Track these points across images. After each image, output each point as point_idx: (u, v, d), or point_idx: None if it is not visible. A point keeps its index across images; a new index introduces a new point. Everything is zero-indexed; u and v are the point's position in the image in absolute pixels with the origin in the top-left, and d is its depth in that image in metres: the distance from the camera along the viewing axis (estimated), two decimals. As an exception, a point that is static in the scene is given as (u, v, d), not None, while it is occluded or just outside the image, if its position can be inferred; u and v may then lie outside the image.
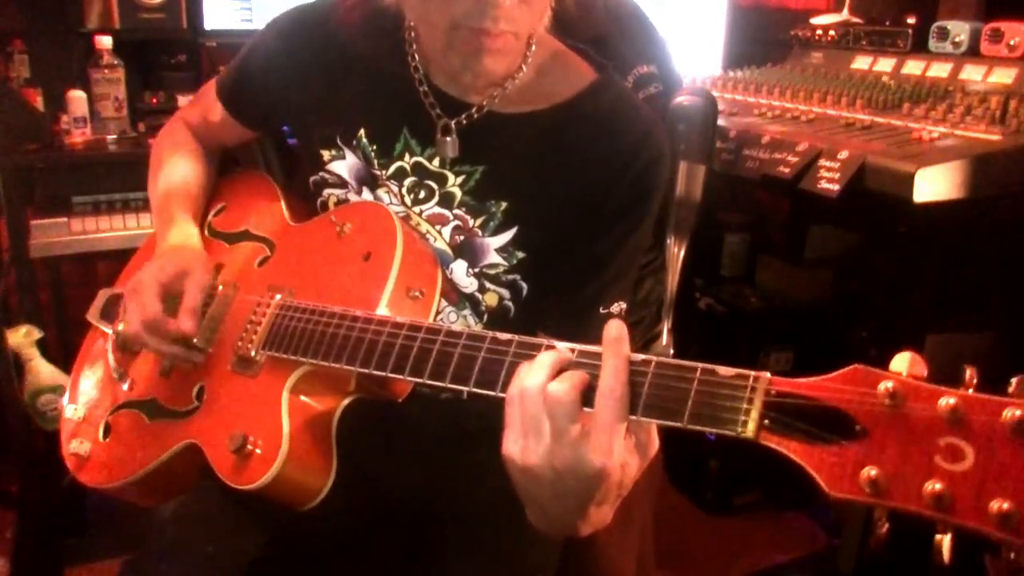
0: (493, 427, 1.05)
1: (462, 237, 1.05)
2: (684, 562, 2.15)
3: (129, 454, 1.07)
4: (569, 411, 0.70)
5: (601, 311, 1.04)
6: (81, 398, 1.19)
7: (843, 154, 1.60)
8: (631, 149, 1.02)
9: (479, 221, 1.04)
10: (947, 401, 0.57)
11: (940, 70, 1.93)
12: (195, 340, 1.06)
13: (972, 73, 1.87)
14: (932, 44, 1.97)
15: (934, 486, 0.56)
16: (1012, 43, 1.80)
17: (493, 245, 1.05)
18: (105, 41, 2.10)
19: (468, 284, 1.07)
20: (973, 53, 1.88)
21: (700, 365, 0.68)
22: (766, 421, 0.64)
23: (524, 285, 1.07)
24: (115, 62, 2.12)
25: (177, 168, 1.24)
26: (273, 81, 1.14)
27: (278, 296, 1.03)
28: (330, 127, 1.09)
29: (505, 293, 1.07)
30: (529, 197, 1.03)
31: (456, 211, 1.05)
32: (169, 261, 1.10)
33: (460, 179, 1.04)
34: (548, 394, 0.70)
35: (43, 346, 2.12)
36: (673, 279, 1.58)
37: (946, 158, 1.52)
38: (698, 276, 2.46)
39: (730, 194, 2.50)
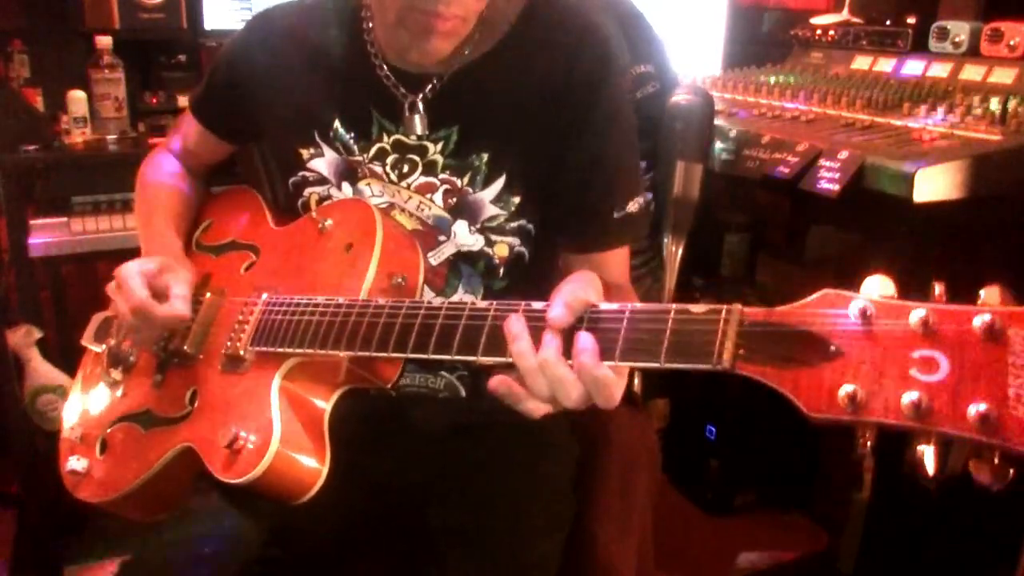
0: (492, 424, 1.06)
1: (455, 199, 1.08)
2: (684, 562, 2.15)
3: (125, 466, 1.08)
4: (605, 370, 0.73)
5: (616, 216, 1.07)
6: (78, 418, 1.20)
7: (843, 154, 1.59)
8: (573, 51, 1.04)
9: (466, 179, 1.07)
10: (918, 314, 0.58)
11: (940, 70, 1.93)
12: (185, 347, 1.07)
13: (972, 73, 1.87)
14: (932, 44, 1.96)
15: (911, 396, 0.56)
16: (1012, 43, 1.80)
17: (487, 198, 1.07)
18: (105, 41, 2.10)
19: (474, 242, 1.09)
20: (973, 53, 1.88)
21: (673, 306, 0.70)
22: (741, 351, 0.65)
23: (531, 227, 1.09)
24: (115, 62, 2.12)
25: (160, 190, 1.26)
26: (242, 89, 1.17)
27: (264, 295, 1.04)
28: (306, 124, 1.11)
29: (514, 241, 1.09)
30: (505, 141, 1.05)
31: (441, 175, 1.07)
32: (151, 259, 1.11)
33: (439, 145, 1.07)
34: (597, 376, 0.73)
35: (43, 346, 2.13)
36: (671, 279, 1.58)
37: (946, 158, 1.52)
38: (697, 276, 2.46)
39: (730, 194, 2.50)
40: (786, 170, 1.67)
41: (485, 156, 1.06)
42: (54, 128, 2.11)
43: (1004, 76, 1.80)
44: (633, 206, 1.08)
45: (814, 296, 0.63)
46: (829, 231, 2.46)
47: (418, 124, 1.06)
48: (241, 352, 1.00)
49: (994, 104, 1.68)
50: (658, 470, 1.59)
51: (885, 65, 2.07)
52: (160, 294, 1.06)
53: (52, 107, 2.16)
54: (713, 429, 2.32)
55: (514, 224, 1.08)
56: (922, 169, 1.48)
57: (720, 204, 2.51)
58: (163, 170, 1.29)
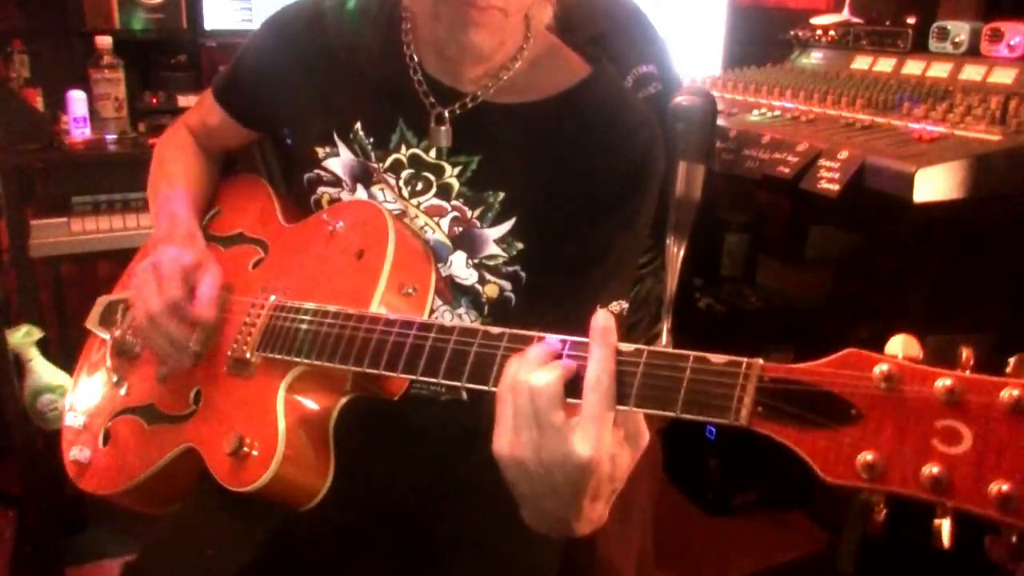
0: (493, 428, 1.05)
1: (460, 228, 1.05)
2: (684, 562, 2.15)
3: (128, 460, 1.08)
4: (552, 400, 0.69)
5: (600, 310, 1.05)
6: (81, 406, 1.19)
7: (843, 154, 1.59)
8: (624, 139, 1.03)
9: (477, 212, 1.05)
10: (944, 383, 0.56)
11: (940, 70, 1.93)
12: (191, 344, 1.06)
13: (972, 73, 1.87)
14: (932, 44, 1.96)
15: (932, 469, 0.55)
16: (1012, 43, 1.80)
17: (492, 236, 1.05)
18: (105, 41, 2.10)
19: (468, 276, 1.07)
20: (973, 53, 1.88)
21: (692, 354, 0.68)
22: (759, 408, 0.63)
23: (524, 276, 1.07)
24: (115, 62, 2.12)
25: (178, 169, 1.24)
26: (267, 78, 1.14)
27: (272, 297, 1.03)
28: (326, 122, 1.09)
29: (506, 285, 1.07)
30: (526, 187, 1.03)
31: (454, 202, 1.05)
32: (188, 250, 1.08)
33: (457, 170, 1.05)
34: (532, 384, 0.70)
35: (43, 346, 2.12)
36: (672, 279, 1.58)
37: (946, 158, 1.52)
38: (698, 276, 2.46)
39: (730, 194, 2.50)
40: (786, 170, 1.67)
41: (501, 195, 1.04)
42: (54, 128, 2.11)
43: (1004, 76, 1.80)
44: (615, 307, 1.07)
45: (838, 354, 0.61)
46: (829, 231, 2.46)
47: (443, 136, 1.03)
48: (248, 355, 1.00)
49: (994, 104, 1.68)
50: (658, 470, 1.59)
51: (885, 65, 2.07)
52: (190, 288, 1.04)
53: (52, 107, 2.16)
54: (713, 429, 2.32)
55: (510, 268, 1.06)
56: (922, 169, 1.47)
57: (720, 204, 2.52)
58: (182, 149, 1.27)
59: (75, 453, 1.13)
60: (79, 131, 2.06)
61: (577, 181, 1.02)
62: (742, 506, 2.41)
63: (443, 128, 1.03)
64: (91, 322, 1.25)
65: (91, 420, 1.16)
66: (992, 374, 0.56)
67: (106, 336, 1.21)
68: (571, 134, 1.03)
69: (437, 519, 1.10)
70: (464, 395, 1.15)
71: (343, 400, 0.99)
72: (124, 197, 2.04)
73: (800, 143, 1.69)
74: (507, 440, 0.72)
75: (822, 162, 1.62)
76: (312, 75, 1.10)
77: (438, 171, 1.05)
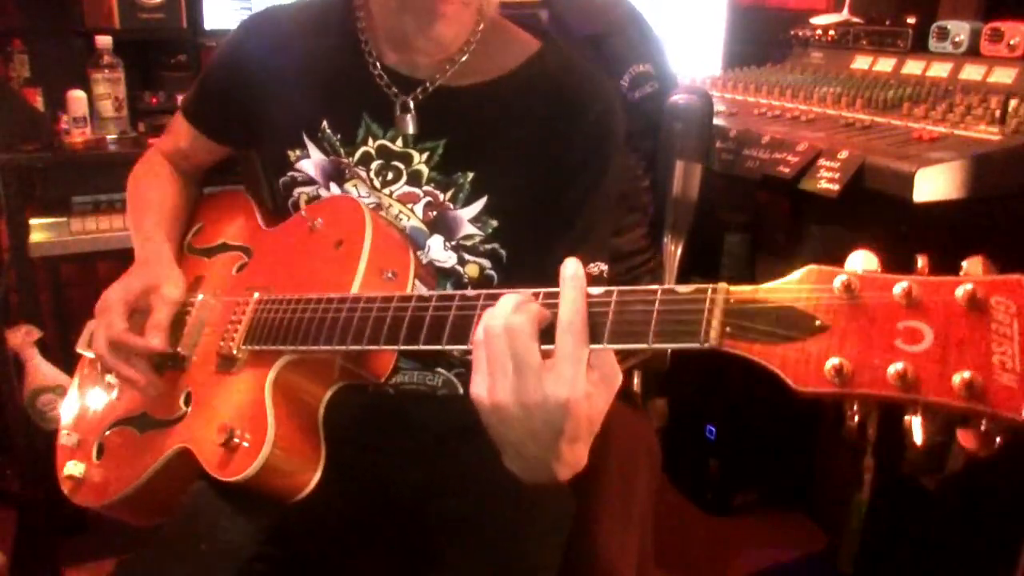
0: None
1: (435, 212, 1.08)
2: (684, 562, 2.15)
3: (122, 469, 1.08)
4: (527, 341, 0.71)
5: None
6: (74, 423, 1.20)
7: (843, 154, 1.60)
8: (580, 103, 1.06)
9: (449, 194, 1.07)
10: (901, 286, 0.58)
11: (940, 70, 1.93)
12: (179, 349, 1.08)
13: (972, 73, 1.87)
14: (932, 44, 1.96)
15: (897, 367, 0.57)
16: (1012, 43, 1.80)
17: (466, 216, 1.08)
18: (105, 41, 2.10)
19: (447, 258, 1.09)
20: (973, 53, 1.88)
21: (660, 287, 0.70)
22: (727, 328, 0.65)
23: (504, 253, 1.09)
24: (115, 62, 2.12)
25: (152, 191, 1.27)
26: (233, 90, 1.17)
27: (256, 294, 1.04)
28: (294, 124, 1.12)
29: (486, 263, 1.10)
30: (493, 164, 1.06)
31: (425, 187, 1.08)
32: (136, 278, 1.12)
33: (424, 156, 1.08)
34: (507, 327, 0.71)
35: (43, 346, 2.13)
36: (670, 279, 1.58)
37: (946, 158, 1.52)
38: (697, 276, 2.46)
39: (729, 194, 2.50)
40: (786, 170, 1.67)
41: (470, 175, 1.07)
42: (54, 128, 2.11)
43: (1004, 76, 1.80)
44: (594, 268, 1.08)
45: (799, 272, 0.64)
46: (829, 231, 2.46)
47: (410, 123, 1.06)
48: (234, 351, 1.01)
49: (994, 104, 1.68)
50: (658, 470, 1.59)
51: (885, 65, 2.07)
52: (143, 313, 1.08)
53: (52, 107, 2.16)
54: (713, 429, 2.33)
55: (488, 246, 1.09)
56: (922, 169, 1.47)
57: (720, 204, 2.52)
58: (155, 173, 1.30)
59: (70, 468, 1.13)
60: (79, 131, 2.06)
61: (540, 152, 1.05)
62: (742, 506, 2.41)
63: (409, 115, 1.06)
64: (81, 346, 1.26)
65: (84, 436, 1.16)
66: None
67: (93, 355, 1.22)
68: (528, 107, 1.06)
69: (435, 514, 1.10)
70: (460, 389, 1.16)
71: (332, 389, 1.00)
72: (124, 197, 2.02)
73: (800, 143, 1.69)
74: (484, 386, 0.73)
75: (822, 162, 1.62)
76: (276, 80, 1.13)
77: (406, 159, 1.08)
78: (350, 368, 0.99)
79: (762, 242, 2.60)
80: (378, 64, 1.08)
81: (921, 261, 0.60)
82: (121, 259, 1.36)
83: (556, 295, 0.73)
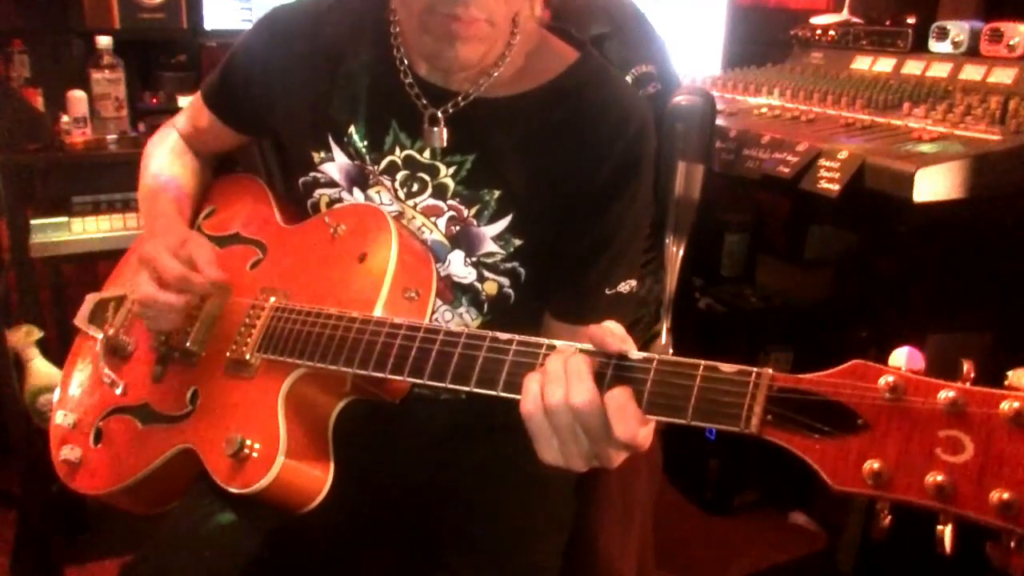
0: (493, 426, 1.05)
1: (457, 227, 1.06)
2: (684, 562, 2.15)
3: (122, 460, 1.07)
4: (597, 415, 0.72)
5: (607, 292, 1.05)
6: (71, 404, 1.18)
7: (843, 154, 1.59)
8: (616, 122, 1.03)
9: (473, 210, 1.05)
10: (946, 394, 0.58)
11: (940, 70, 1.93)
12: (188, 344, 1.06)
13: (972, 73, 1.86)
14: (932, 44, 1.96)
15: (935, 477, 0.56)
16: (1012, 43, 1.80)
17: (489, 234, 1.05)
18: (105, 41, 2.10)
19: (466, 274, 1.07)
20: (973, 53, 1.88)
21: (702, 362, 0.69)
22: (769, 416, 0.65)
23: (523, 271, 1.07)
24: (115, 62, 2.12)
25: (165, 170, 1.23)
26: (257, 82, 1.14)
27: (272, 299, 1.03)
28: (320, 126, 1.09)
29: (504, 281, 1.07)
30: (521, 183, 1.04)
31: (450, 202, 1.05)
32: (168, 232, 1.09)
33: (451, 169, 1.05)
34: (575, 407, 0.72)
35: (43, 346, 2.12)
36: (672, 278, 1.58)
37: (946, 158, 1.51)
38: (698, 276, 2.46)
39: (730, 194, 2.50)
40: (786, 170, 1.67)
41: (497, 193, 1.04)
42: (54, 128, 2.11)
43: (1004, 76, 1.80)
44: (624, 287, 1.07)
45: (844, 366, 0.63)
46: (829, 231, 2.46)
47: (436, 137, 1.03)
48: (247, 357, 1.00)
49: (994, 104, 1.68)
50: (658, 470, 1.59)
51: (885, 65, 2.07)
52: (187, 264, 1.04)
53: (52, 107, 2.15)
54: (713, 429, 2.32)
55: (508, 265, 1.06)
56: (922, 169, 1.47)
57: (720, 204, 2.52)
58: (170, 151, 1.26)
59: (66, 452, 1.12)
60: (79, 131, 2.06)
61: (573, 170, 1.03)
62: (742, 506, 2.41)
63: (436, 129, 1.03)
64: (80, 320, 1.24)
65: (81, 419, 1.15)
66: (992, 385, 0.58)
67: (96, 334, 1.20)
68: (562, 122, 1.03)
69: (437, 518, 1.10)
70: (463, 394, 1.15)
71: (343, 402, 0.99)
72: (124, 197, 2.04)
73: (800, 143, 1.69)
74: (559, 454, 0.75)
75: (822, 162, 1.62)
76: (305, 78, 1.10)
77: (433, 171, 1.05)
78: (364, 386, 0.98)
79: (762, 242, 2.60)
80: (409, 73, 1.05)
81: (967, 366, 0.59)
82: (121, 259, 1.36)
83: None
